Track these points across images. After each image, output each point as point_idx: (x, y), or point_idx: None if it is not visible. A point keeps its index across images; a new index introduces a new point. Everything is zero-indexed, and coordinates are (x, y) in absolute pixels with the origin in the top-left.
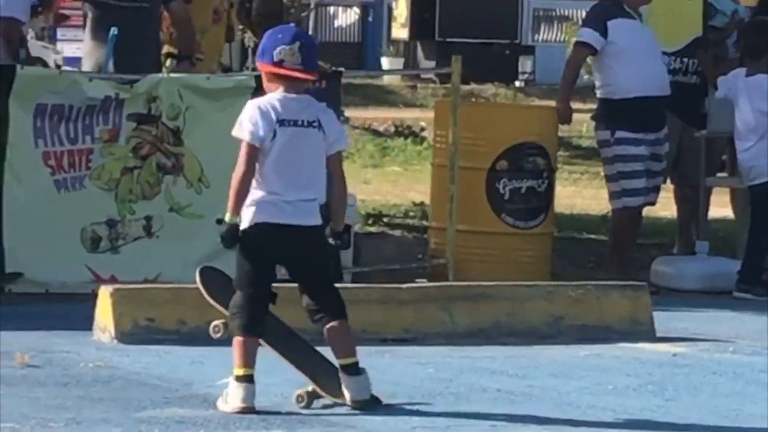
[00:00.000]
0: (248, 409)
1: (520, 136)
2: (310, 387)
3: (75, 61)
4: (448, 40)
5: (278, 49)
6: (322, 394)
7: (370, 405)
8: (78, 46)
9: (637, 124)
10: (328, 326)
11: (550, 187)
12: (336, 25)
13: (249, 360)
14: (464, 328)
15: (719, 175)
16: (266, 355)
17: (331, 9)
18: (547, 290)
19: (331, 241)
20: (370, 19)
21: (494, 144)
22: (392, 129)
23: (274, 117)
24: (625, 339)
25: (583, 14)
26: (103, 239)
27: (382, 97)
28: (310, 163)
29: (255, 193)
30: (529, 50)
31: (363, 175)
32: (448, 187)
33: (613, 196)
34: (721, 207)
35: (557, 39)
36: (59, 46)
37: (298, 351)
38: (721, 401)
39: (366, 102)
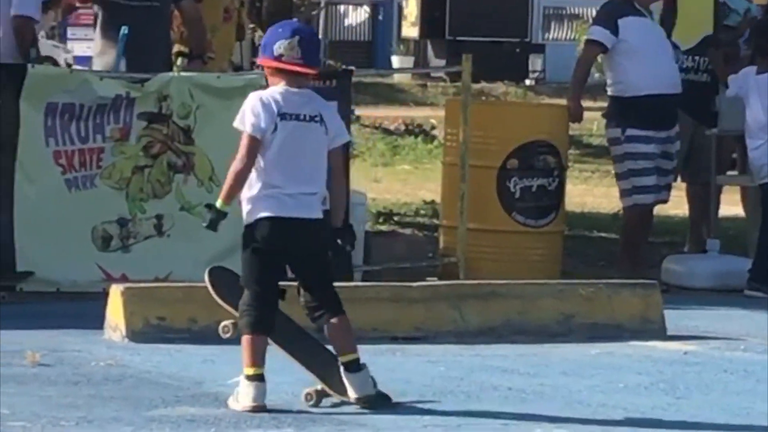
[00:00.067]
0: (259, 408)
1: (531, 134)
2: (319, 386)
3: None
4: (459, 38)
5: (278, 43)
6: (330, 392)
7: (376, 400)
8: (88, 45)
9: (648, 122)
10: (328, 323)
11: (561, 186)
12: (346, 23)
13: (258, 359)
14: (475, 326)
15: (729, 173)
16: (277, 353)
17: (342, 7)
18: (558, 289)
19: (339, 241)
20: (380, 17)
21: (505, 142)
22: (403, 127)
23: (275, 110)
24: (636, 337)
25: (593, 12)
26: (114, 238)
27: (393, 95)
28: (311, 157)
29: (256, 188)
30: (540, 48)
31: (373, 173)
32: (458, 186)
33: (623, 194)
34: (731, 205)
35: (567, 37)
36: (69, 45)
37: (307, 349)
38: (732, 399)
39: (376, 101)
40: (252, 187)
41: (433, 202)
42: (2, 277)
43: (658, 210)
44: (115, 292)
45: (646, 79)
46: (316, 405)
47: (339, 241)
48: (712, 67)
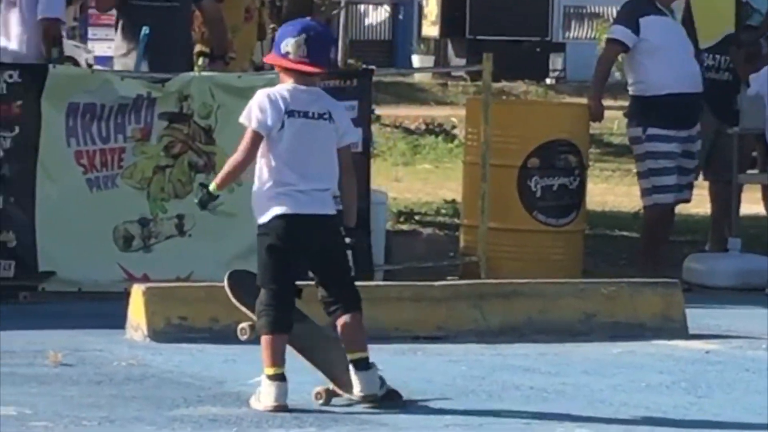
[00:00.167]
0: (281, 408)
1: (552, 133)
2: (330, 385)
3: (106, 60)
4: (479, 37)
5: (285, 41)
6: (339, 392)
7: (381, 400)
8: (109, 45)
9: (669, 121)
10: (340, 319)
11: (582, 185)
12: (366, 23)
13: (278, 358)
14: (496, 325)
15: (750, 171)
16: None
17: (362, 7)
18: (579, 288)
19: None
20: (400, 16)
21: (526, 141)
22: (423, 127)
23: (282, 107)
24: (658, 336)
25: (614, 11)
26: (136, 238)
27: (413, 94)
28: (321, 155)
29: (268, 186)
30: (560, 47)
31: (394, 173)
32: (479, 185)
33: (644, 193)
34: (753, 204)
35: (588, 36)
36: (90, 45)
37: (318, 348)
38: (754, 398)
39: (397, 100)
40: (264, 185)
41: (453, 201)
42: (24, 277)
43: (680, 209)
44: (137, 291)
45: (668, 78)
46: (326, 404)
47: (351, 240)
48: (734, 65)
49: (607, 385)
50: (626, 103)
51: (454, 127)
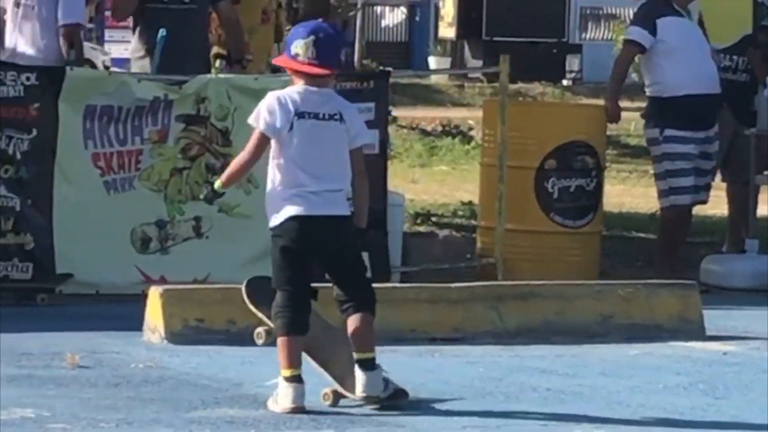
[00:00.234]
0: (298, 409)
1: (569, 134)
2: (336, 386)
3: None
4: (495, 39)
5: (294, 43)
6: (345, 393)
7: (382, 402)
8: (126, 47)
9: (687, 123)
10: (351, 318)
11: (599, 186)
12: (383, 24)
13: (294, 360)
14: (513, 327)
15: (767, 173)
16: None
17: (379, 9)
18: (596, 289)
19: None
20: (417, 18)
21: (543, 143)
22: (440, 128)
23: (292, 109)
24: (675, 338)
25: (630, 12)
26: (153, 240)
27: (430, 96)
28: (332, 155)
29: (281, 188)
30: (577, 49)
31: (411, 174)
32: (496, 186)
33: (661, 194)
34: None
35: (604, 37)
36: (107, 47)
37: (326, 347)
38: None
39: (414, 101)
40: (276, 187)
41: (470, 203)
42: (42, 279)
43: (697, 210)
44: (154, 294)
45: (685, 80)
46: (333, 405)
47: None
48: (751, 66)
49: (624, 386)
50: (643, 105)
51: (470, 128)
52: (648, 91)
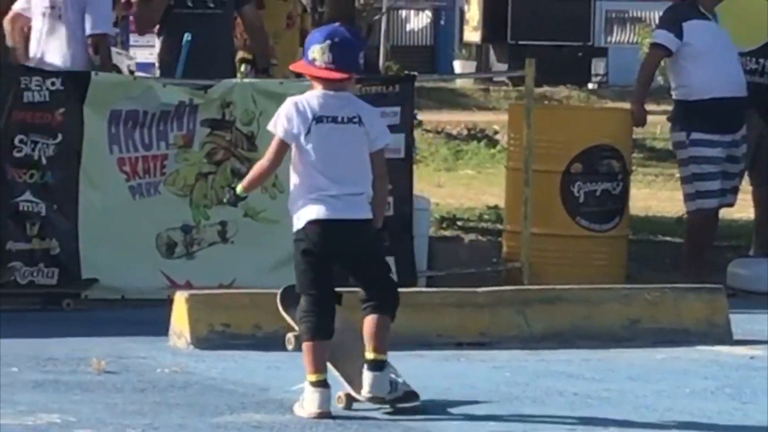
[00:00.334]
0: (324, 414)
1: (595, 138)
2: (348, 389)
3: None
4: (521, 42)
5: (311, 47)
6: (357, 396)
7: (386, 403)
8: (151, 52)
9: (713, 126)
10: (368, 317)
11: (625, 190)
12: (408, 28)
13: (319, 365)
14: (540, 331)
15: None
16: None
17: (403, 13)
18: (623, 293)
19: None
20: (442, 22)
21: (568, 147)
22: (465, 132)
23: (310, 115)
24: (702, 342)
25: (656, 15)
26: (178, 245)
27: (455, 100)
28: (351, 159)
29: (302, 192)
30: (602, 52)
31: (436, 178)
32: (522, 191)
33: (687, 198)
34: None
35: (630, 41)
36: (132, 51)
37: (340, 348)
38: None
39: (439, 105)
40: (297, 191)
41: (496, 206)
42: (67, 284)
43: (723, 213)
44: (180, 299)
45: (711, 83)
46: (347, 408)
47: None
48: None
49: (651, 391)
50: (669, 108)
51: (496, 132)
52: (674, 95)
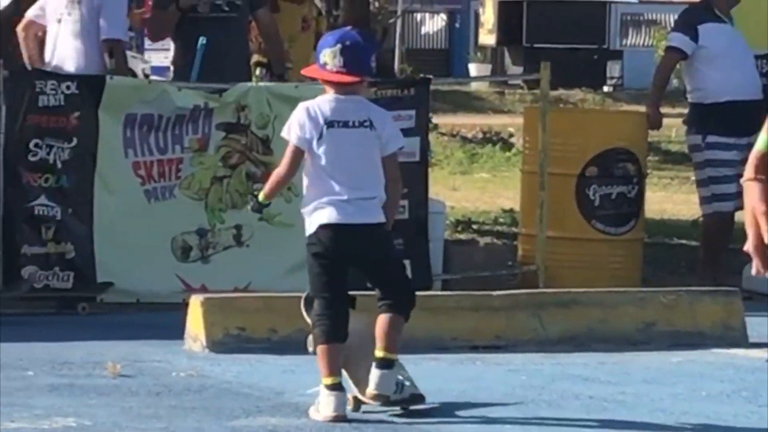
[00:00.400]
0: (340, 418)
1: (610, 141)
2: (355, 392)
3: (163, 70)
4: (536, 45)
5: (323, 52)
6: (364, 399)
7: (396, 403)
8: (165, 56)
9: (729, 129)
10: (381, 316)
11: (641, 193)
12: (423, 31)
13: (334, 368)
14: (555, 334)
15: None
16: None
17: (418, 16)
18: (639, 296)
19: None
20: (457, 25)
21: (584, 150)
22: (480, 135)
23: (321, 119)
24: (718, 345)
25: (671, 18)
26: (194, 248)
27: (470, 103)
28: (363, 163)
29: (314, 197)
30: (617, 55)
31: (452, 181)
32: (537, 194)
33: (703, 201)
34: None
35: (645, 44)
36: (147, 55)
37: (354, 353)
38: None
39: (454, 108)
40: (309, 195)
41: (511, 210)
42: (83, 288)
43: (739, 216)
44: (195, 302)
45: (727, 86)
46: (355, 410)
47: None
48: None
49: (667, 394)
50: (684, 111)
51: (511, 135)
52: (690, 98)
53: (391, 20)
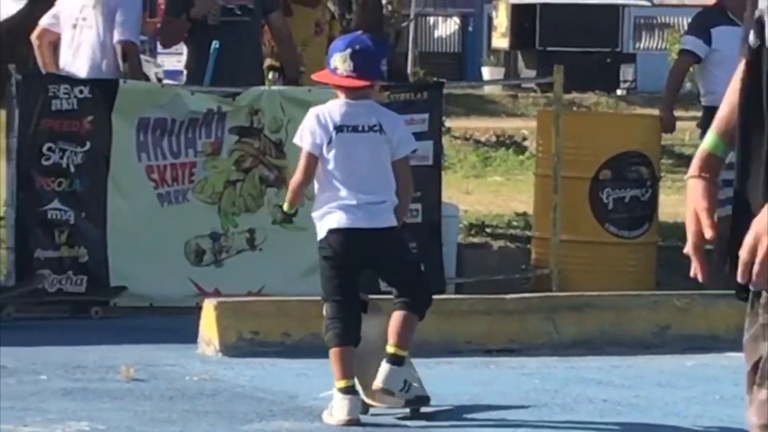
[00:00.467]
0: (353, 422)
1: (623, 145)
2: (363, 395)
3: (176, 74)
4: (549, 49)
5: (333, 57)
6: (371, 402)
7: (391, 397)
8: (178, 60)
9: None
10: (395, 312)
11: (654, 196)
12: (436, 35)
13: (347, 371)
14: (569, 338)
15: None
16: None
17: (431, 19)
18: (653, 300)
19: None
20: (470, 28)
21: (597, 153)
22: (494, 139)
23: (331, 125)
24: (732, 348)
25: (684, 21)
26: (207, 252)
27: (483, 106)
28: (373, 167)
29: (324, 201)
30: (631, 58)
31: (465, 185)
32: (551, 197)
33: (717, 203)
34: None
35: (658, 47)
36: (160, 59)
37: (363, 357)
38: None
39: (467, 112)
40: (320, 200)
41: (525, 213)
42: (96, 292)
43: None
44: (208, 306)
45: None
46: (364, 413)
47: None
48: None
49: (681, 397)
50: (698, 114)
51: (524, 138)
52: (703, 101)
53: (404, 24)
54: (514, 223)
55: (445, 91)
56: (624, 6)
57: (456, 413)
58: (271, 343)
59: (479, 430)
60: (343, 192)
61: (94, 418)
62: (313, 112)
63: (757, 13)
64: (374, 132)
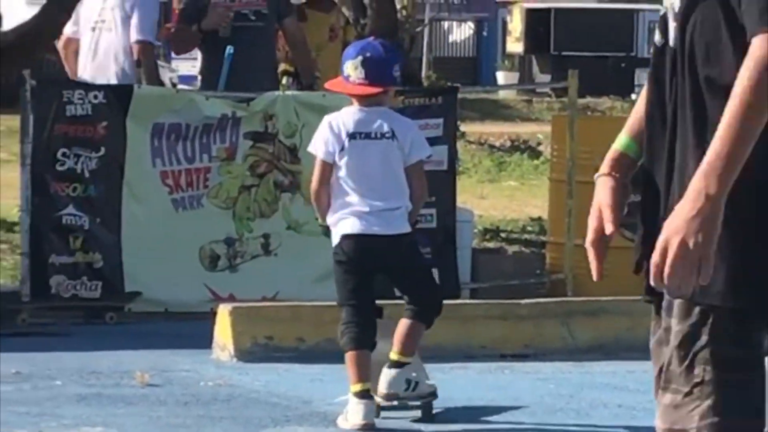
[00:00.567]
0: (369, 426)
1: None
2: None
3: (190, 79)
4: (564, 53)
5: (346, 64)
6: (380, 402)
7: (400, 399)
8: (193, 65)
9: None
10: (403, 319)
11: None
12: (450, 40)
13: (362, 374)
14: (584, 343)
15: None
16: None
17: (446, 24)
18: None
19: None
20: (484, 33)
21: None
22: (508, 143)
23: (344, 132)
24: None
25: None
26: (222, 258)
27: (498, 111)
28: (386, 174)
29: (338, 208)
30: (646, 62)
31: (479, 190)
32: (565, 202)
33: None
34: None
35: None
36: (174, 64)
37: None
38: None
39: (482, 117)
40: (334, 207)
41: (539, 218)
42: (110, 297)
43: None
44: (223, 311)
45: None
46: (376, 416)
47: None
48: None
49: None
50: None
51: (539, 143)
52: None
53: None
54: (529, 228)
55: (459, 95)
56: (639, 10)
57: (470, 418)
58: (285, 349)
59: None
60: (356, 198)
61: (109, 423)
62: (326, 120)
63: (662, 11)
64: (387, 138)
